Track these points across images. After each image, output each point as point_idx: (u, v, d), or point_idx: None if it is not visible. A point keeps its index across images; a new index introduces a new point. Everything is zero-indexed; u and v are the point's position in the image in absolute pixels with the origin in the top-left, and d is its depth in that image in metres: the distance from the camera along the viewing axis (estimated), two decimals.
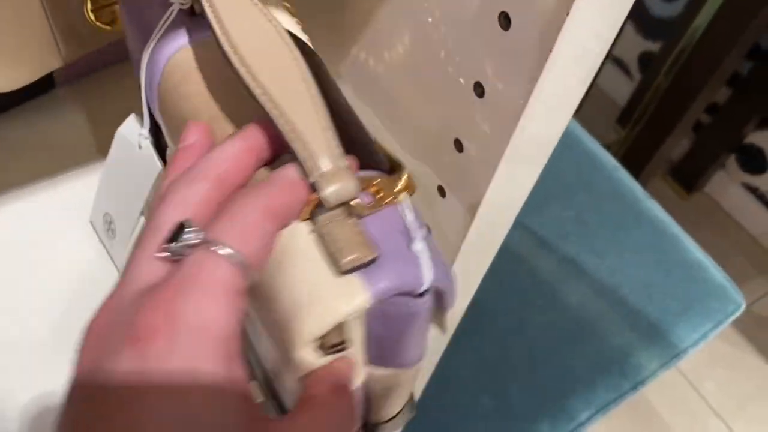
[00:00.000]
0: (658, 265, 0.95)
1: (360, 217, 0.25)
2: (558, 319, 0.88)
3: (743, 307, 0.92)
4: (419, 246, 0.26)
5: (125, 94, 0.43)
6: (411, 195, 0.28)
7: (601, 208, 0.98)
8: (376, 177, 0.27)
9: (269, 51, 0.27)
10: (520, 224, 0.94)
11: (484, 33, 0.30)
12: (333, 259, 0.24)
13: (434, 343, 0.50)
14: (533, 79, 0.28)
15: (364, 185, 0.26)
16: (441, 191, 0.38)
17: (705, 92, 1.35)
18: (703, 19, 1.29)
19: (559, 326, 0.87)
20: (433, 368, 0.56)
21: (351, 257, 0.24)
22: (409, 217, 0.27)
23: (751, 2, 1.20)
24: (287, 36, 0.27)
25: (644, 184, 1.04)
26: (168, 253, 0.22)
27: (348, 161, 0.26)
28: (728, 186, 1.67)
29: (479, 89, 0.32)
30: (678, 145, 1.63)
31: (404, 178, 0.28)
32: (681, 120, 1.39)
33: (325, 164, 0.25)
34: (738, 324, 1.51)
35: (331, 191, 0.25)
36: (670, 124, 1.41)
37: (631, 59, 1.75)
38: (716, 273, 0.94)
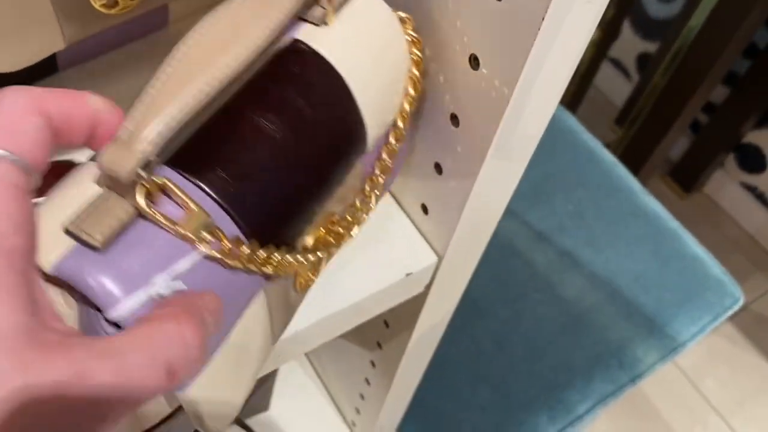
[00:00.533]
0: (655, 258, 0.95)
1: (140, 214, 0.24)
2: (555, 312, 0.88)
3: (741, 301, 0.93)
4: (154, 288, 0.23)
5: (128, 79, 0.44)
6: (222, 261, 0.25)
7: (599, 202, 0.99)
8: (201, 215, 0.25)
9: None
10: (518, 218, 0.95)
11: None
12: (78, 213, 0.23)
13: (429, 333, 0.50)
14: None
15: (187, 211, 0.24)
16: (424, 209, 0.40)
17: (701, 91, 1.36)
18: (698, 18, 1.30)
19: (557, 318, 0.88)
20: (428, 358, 0.56)
21: (81, 224, 0.23)
22: (181, 266, 0.24)
23: (746, 1, 1.21)
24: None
25: (643, 183, 1.05)
26: None
27: (148, 150, 0.23)
28: (727, 185, 1.68)
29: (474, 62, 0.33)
30: (676, 145, 1.64)
31: (223, 239, 0.25)
32: (678, 119, 1.40)
33: (131, 132, 0.24)
34: (737, 322, 1.52)
35: (108, 155, 0.23)
36: (667, 123, 1.42)
37: (629, 60, 1.76)
38: (714, 267, 0.95)
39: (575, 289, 0.91)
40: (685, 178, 1.70)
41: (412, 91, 0.34)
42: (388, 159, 0.35)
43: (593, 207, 0.99)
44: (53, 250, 0.23)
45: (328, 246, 0.33)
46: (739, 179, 1.65)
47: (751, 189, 1.64)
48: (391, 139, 0.35)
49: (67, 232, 0.23)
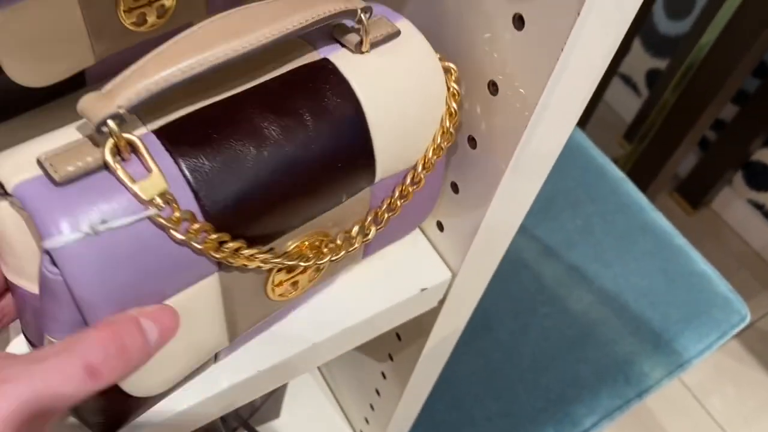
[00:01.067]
0: (662, 274, 0.96)
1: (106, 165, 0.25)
2: (563, 325, 0.89)
3: (748, 318, 0.94)
4: (88, 223, 0.24)
5: None
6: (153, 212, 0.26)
7: (608, 218, 1.00)
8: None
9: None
10: (527, 232, 0.96)
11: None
12: (56, 149, 0.25)
13: (440, 346, 0.51)
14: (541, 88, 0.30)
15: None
16: (454, 187, 0.40)
17: (711, 109, 1.37)
18: (709, 36, 1.31)
19: (564, 332, 0.89)
20: (439, 371, 0.57)
21: (52, 158, 0.25)
22: (125, 220, 0.25)
23: (757, 21, 1.22)
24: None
25: (651, 199, 1.06)
26: None
27: (122, 105, 0.25)
28: (734, 202, 1.69)
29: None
30: (684, 161, 1.64)
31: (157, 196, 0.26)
32: (687, 136, 1.41)
33: (113, 87, 0.25)
34: (743, 340, 1.52)
35: (85, 101, 0.25)
36: (676, 140, 1.43)
37: (638, 76, 1.77)
38: (721, 284, 0.95)
39: (583, 304, 0.92)
40: (692, 195, 1.70)
41: (442, 142, 0.34)
42: (398, 200, 0.35)
43: (601, 222, 1.00)
44: (21, 174, 0.25)
45: (304, 258, 0.32)
46: (746, 196, 1.66)
47: (759, 206, 1.64)
48: (407, 180, 0.35)
49: (38, 162, 0.25)
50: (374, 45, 0.32)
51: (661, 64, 1.69)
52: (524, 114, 0.32)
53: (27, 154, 0.26)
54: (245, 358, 0.38)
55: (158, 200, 0.26)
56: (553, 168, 0.37)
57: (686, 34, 1.58)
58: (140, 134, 0.27)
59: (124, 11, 0.41)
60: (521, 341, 0.87)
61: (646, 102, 1.71)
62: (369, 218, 0.35)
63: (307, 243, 0.33)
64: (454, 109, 0.34)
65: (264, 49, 0.28)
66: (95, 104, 0.25)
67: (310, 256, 0.33)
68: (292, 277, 0.34)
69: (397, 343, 0.55)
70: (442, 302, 0.45)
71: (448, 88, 0.34)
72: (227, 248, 0.28)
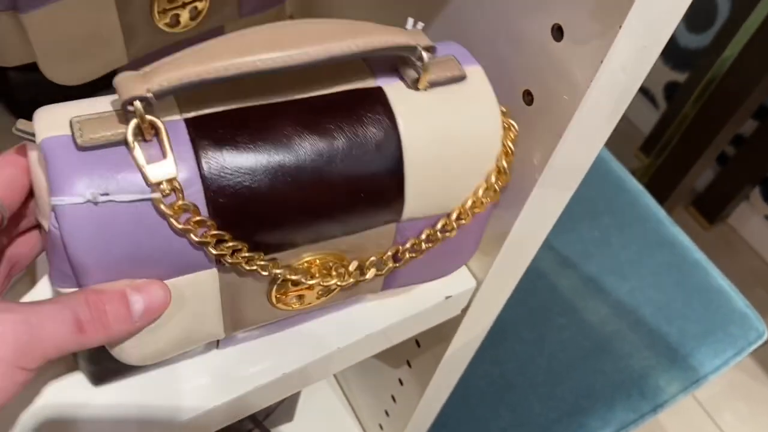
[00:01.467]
0: (679, 288, 0.96)
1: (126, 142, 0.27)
2: (578, 337, 0.89)
3: (766, 335, 0.93)
4: (92, 191, 0.26)
5: None
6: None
7: (625, 230, 1.00)
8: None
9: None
10: (545, 242, 0.95)
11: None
12: (89, 115, 0.27)
13: (459, 355, 0.51)
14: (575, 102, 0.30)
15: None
16: None
17: (731, 124, 1.36)
18: (731, 51, 1.31)
19: (580, 344, 0.88)
20: (456, 379, 0.57)
21: (82, 122, 0.26)
22: (127, 197, 0.26)
23: None
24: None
25: (667, 213, 1.05)
26: None
27: (151, 89, 0.26)
28: (751, 218, 1.67)
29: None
30: (702, 176, 1.63)
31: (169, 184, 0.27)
32: (706, 151, 1.40)
33: (150, 71, 0.27)
34: (757, 356, 1.51)
35: (121, 78, 0.26)
36: (694, 154, 1.42)
37: (657, 88, 1.76)
38: (738, 300, 0.95)
39: (599, 316, 0.91)
40: (709, 209, 1.69)
41: (484, 197, 0.33)
42: (424, 243, 0.34)
43: (619, 235, 0.99)
44: (53, 130, 0.26)
45: (309, 275, 0.32)
46: (763, 212, 1.65)
47: None
48: (438, 225, 0.34)
49: (70, 123, 0.26)
50: (434, 84, 0.31)
51: (681, 77, 1.69)
52: (559, 125, 0.32)
53: (66, 113, 0.27)
54: (270, 361, 0.38)
55: (164, 186, 0.26)
56: None
57: (707, 47, 1.57)
58: (172, 119, 0.28)
59: (159, 12, 0.42)
60: (537, 352, 0.87)
61: (665, 115, 1.70)
62: (389, 253, 0.34)
63: (318, 262, 0.33)
64: (504, 168, 0.33)
65: (315, 65, 0.28)
66: (128, 83, 0.26)
67: (317, 275, 0.33)
68: (298, 290, 0.34)
69: (416, 350, 0.55)
70: (465, 310, 0.45)
71: (503, 146, 0.33)
72: (226, 247, 0.28)
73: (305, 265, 0.32)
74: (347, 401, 0.76)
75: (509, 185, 0.37)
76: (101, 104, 0.28)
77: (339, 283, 0.33)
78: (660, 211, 1.03)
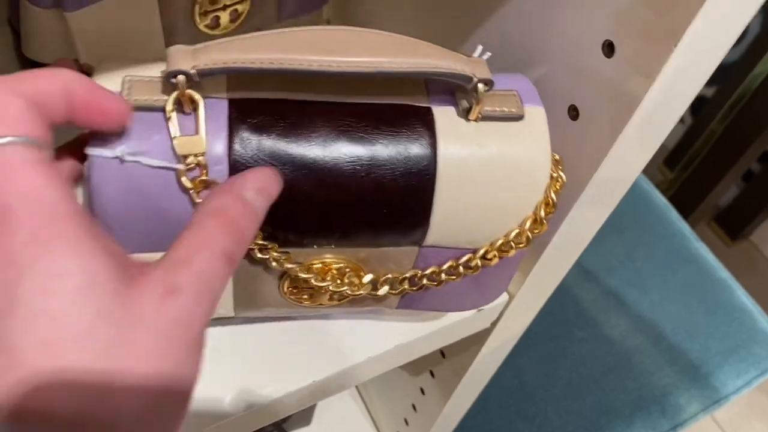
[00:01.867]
0: (702, 305, 0.94)
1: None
2: (599, 351, 0.88)
3: None
4: (121, 150, 0.26)
5: None
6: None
7: (650, 245, 0.99)
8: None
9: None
10: None
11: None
12: (142, 77, 0.28)
13: (484, 367, 0.51)
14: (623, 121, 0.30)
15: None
16: None
17: (759, 141, 1.34)
18: (762, 68, 1.29)
19: (600, 358, 0.87)
20: (479, 391, 0.56)
21: (134, 82, 0.28)
22: (155, 162, 0.27)
23: None
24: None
25: (690, 228, 1.04)
26: None
27: (197, 66, 0.26)
28: None
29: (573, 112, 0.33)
30: (726, 192, 1.62)
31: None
32: (732, 168, 1.39)
33: (199, 49, 0.27)
34: None
35: (175, 50, 0.27)
36: (720, 170, 1.41)
37: None
38: (762, 320, 0.93)
39: (620, 330, 0.90)
40: (731, 225, 1.67)
41: (514, 242, 0.32)
42: (444, 274, 0.33)
43: (643, 249, 0.98)
44: (106, 84, 0.27)
45: (319, 278, 0.32)
46: None
47: None
48: (462, 259, 0.33)
49: (122, 81, 0.28)
50: (487, 118, 0.30)
51: (708, 91, 1.67)
52: (605, 142, 0.32)
53: (123, 72, 0.28)
54: (300, 369, 0.37)
55: (191, 159, 0.27)
56: None
57: (736, 62, 1.55)
58: (218, 97, 0.28)
59: (200, 14, 0.42)
60: (557, 364, 0.86)
61: (690, 129, 1.68)
62: (407, 275, 0.33)
63: (334, 267, 0.32)
64: (542, 218, 0.32)
65: (368, 76, 0.28)
66: (178, 56, 0.27)
67: (328, 279, 0.32)
68: (309, 289, 0.33)
69: (440, 360, 0.54)
70: (494, 323, 0.45)
71: (546, 195, 0.32)
72: None
73: (321, 267, 0.32)
74: (365, 407, 0.76)
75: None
76: (156, 70, 0.29)
77: (349, 292, 0.33)
78: (685, 227, 1.02)
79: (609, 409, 0.84)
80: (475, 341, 0.47)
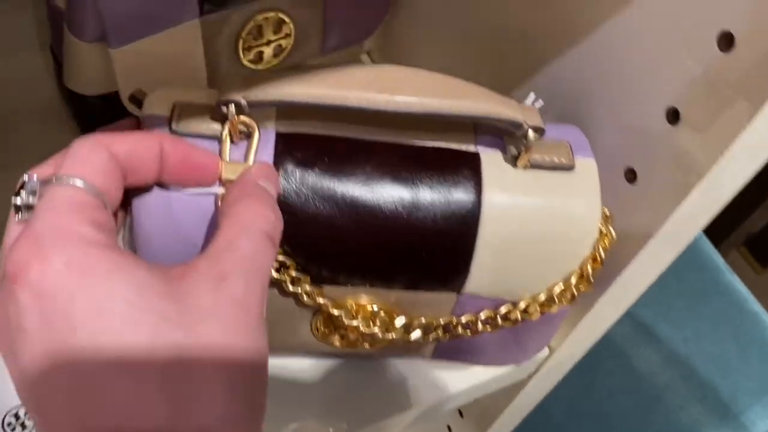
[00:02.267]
0: (734, 341, 0.92)
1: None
2: (628, 385, 0.86)
3: None
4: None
5: None
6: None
7: (682, 276, 0.96)
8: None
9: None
10: None
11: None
12: (194, 101, 0.28)
13: (516, 414, 0.49)
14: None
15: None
16: None
17: None
18: None
19: (630, 393, 0.85)
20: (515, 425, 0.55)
21: (183, 108, 0.28)
22: (196, 190, 0.27)
23: None
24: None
25: (721, 255, 1.02)
26: (20, 212, 0.23)
27: (240, 97, 0.27)
28: None
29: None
30: (762, 220, 1.58)
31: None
32: None
33: (250, 82, 0.27)
34: None
35: (227, 82, 0.28)
36: (757, 197, 1.38)
37: None
38: None
39: (650, 365, 0.88)
40: (763, 252, 1.64)
41: (557, 297, 0.31)
42: (480, 324, 0.32)
43: (675, 280, 0.96)
44: (158, 108, 0.28)
45: (350, 316, 0.31)
46: None
47: None
48: (501, 310, 0.32)
49: (173, 106, 0.28)
50: (536, 166, 0.29)
51: None
52: (665, 209, 0.30)
53: (175, 95, 0.29)
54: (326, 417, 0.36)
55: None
56: None
57: None
58: (266, 128, 0.28)
59: (243, 49, 0.41)
60: (586, 398, 0.84)
61: None
62: (441, 321, 0.32)
63: (368, 308, 0.31)
64: (589, 274, 0.31)
65: (417, 116, 0.27)
66: (229, 85, 0.27)
67: (360, 319, 0.31)
68: (341, 329, 0.32)
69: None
70: (531, 376, 0.43)
71: (594, 251, 0.30)
72: (276, 261, 0.28)
73: (353, 307, 0.31)
74: None
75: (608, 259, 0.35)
76: (205, 95, 0.29)
77: (380, 335, 0.32)
78: (718, 258, 1.00)
79: None
80: (510, 392, 0.46)
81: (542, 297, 0.31)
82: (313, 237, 0.28)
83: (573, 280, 0.30)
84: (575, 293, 0.31)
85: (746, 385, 0.89)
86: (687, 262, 0.97)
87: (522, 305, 0.31)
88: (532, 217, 0.29)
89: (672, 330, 0.92)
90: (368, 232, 0.28)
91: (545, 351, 0.41)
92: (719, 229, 1.47)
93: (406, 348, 0.35)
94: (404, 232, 0.29)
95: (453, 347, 0.34)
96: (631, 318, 0.91)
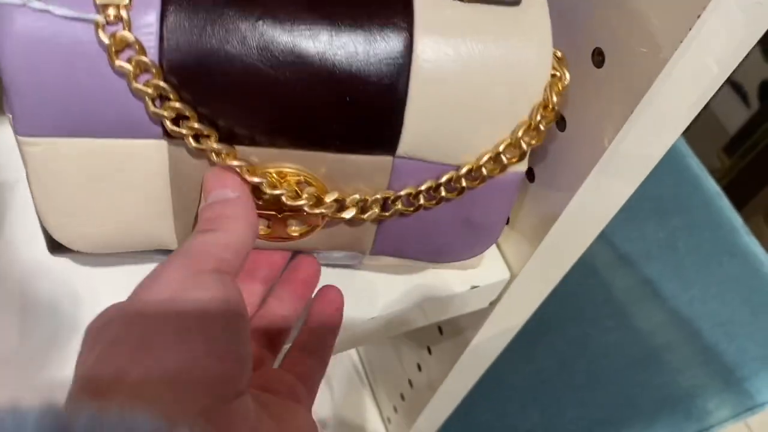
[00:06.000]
0: (745, 305, 0.87)
1: None
2: (626, 343, 0.82)
3: None
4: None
5: None
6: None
7: (695, 234, 0.91)
8: None
9: None
10: (603, 237, 0.87)
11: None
12: None
13: (484, 350, 0.46)
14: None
15: None
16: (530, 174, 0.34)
17: None
18: None
19: (627, 350, 0.81)
20: (479, 375, 0.51)
21: None
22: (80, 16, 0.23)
23: None
24: None
25: (743, 221, 0.96)
26: None
27: None
28: None
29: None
30: None
31: None
32: None
33: None
34: None
35: None
36: None
37: (751, 86, 1.63)
38: None
39: (652, 323, 0.84)
40: None
41: (506, 154, 0.27)
42: (421, 197, 0.28)
43: (687, 238, 0.91)
44: None
45: (271, 185, 0.27)
46: None
47: None
48: (443, 179, 0.27)
49: None
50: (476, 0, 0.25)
51: None
52: (634, 92, 0.26)
53: None
54: None
55: (111, 11, 0.23)
56: None
57: None
58: None
59: None
60: (578, 353, 0.80)
61: (756, 115, 1.58)
62: (378, 196, 0.28)
63: (293, 179, 0.27)
64: (537, 123, 0.26)
65: None
66: None
67: (284, 188, 0.27)
68: (267, 213, 0.28)
69: (438, 337, 0.49)
70: (493, 304, 0.39)
71: (545, 97, 0.26)
72: (169, 107, 0.24)
73: (276, 175, 0.27)
74: (367, 380, 0.72)
75: (562, 164, 0.31)
76: None
77: (307, 209, 0.27)
78: (736, 218, 0.94)
79: (630, 404, 0.78)
80: (473, 321, 0.42)
81: (487, 157, 0.27)
82: (210, 79, 0.24)
83: (520, 133, 0.26)
84: (524, 148, 0.26)
85: (754, 351, 0.84)
86: (701, 218, 0.92)
87: (464, 170, 0.27)
88: (473, 59, 0.25)
89: (678, 289, 0.87)
90: (280, 74, 0.24)
91: (506, 273, 0.37)
92: (744, 195, 1.40)
93: (339, 239, 0.30)
94: (325, 77, 0.25)
95: (393, 236, 0.30)
96: (636, 273, 0.87)
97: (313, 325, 0.32)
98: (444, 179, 0.27)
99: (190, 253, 0.24)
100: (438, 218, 0.29)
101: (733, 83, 1.67)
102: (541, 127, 0.26)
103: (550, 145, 0.31)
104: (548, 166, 0.32)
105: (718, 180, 1.45)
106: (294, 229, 0.30)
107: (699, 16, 0.22)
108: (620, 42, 0.26)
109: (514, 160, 0.27)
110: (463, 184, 0.27)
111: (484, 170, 0.27)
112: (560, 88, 0.26)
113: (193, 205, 0.28)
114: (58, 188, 0.27)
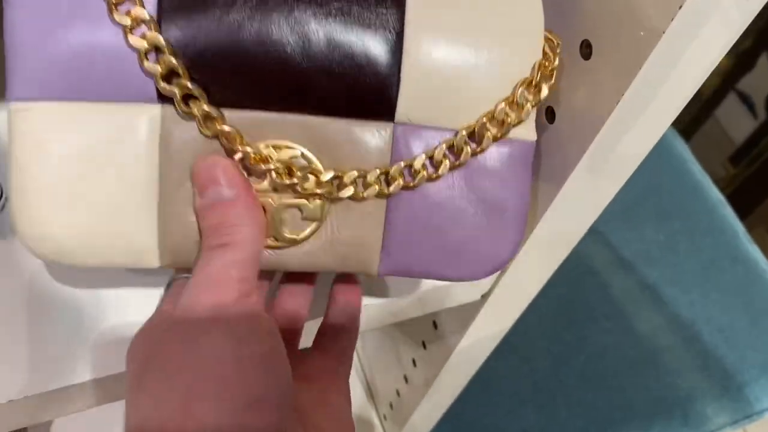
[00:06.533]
0: (745, 311, 0.87)
1: None
2: (623, 345, 0.82)
3: None
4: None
5: None
6: None
7: (696, 239, 0.91)
8: None
9: None
10: (602, 238, 0.88)
11: None
12: None
13: (478, 345, 0.46)
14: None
15: None
16: None
17: None
18: None
19: (624, 352, 0.81)
20: (474, 371, 0.51)
21: None
22: None
23: None
24: None
25: (747, 230, 0.96)
26: None
27: None
28: None
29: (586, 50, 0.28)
30: None
31: None
32: None
33: None
34: None
35: None
36: None
37: (758, 97, 1.63)
38: None
39: (650, 326, 0.84)
40: None
41: (507, 117, 0.27)
42: (428, 162, 0.27)
43: (688, 242, 0.91)
44: None
45: (263, 159, 0.26)
46: None
47: None
48: (443, 146, 0.27)
49: None
50: None
51: None
52: (618, 84, 0.26)
53: None
54: None
55: None
56: (645, 172, 0.31)
57: None
58: None
59: None
60: (574, 353, 0.80)
61: (762, 126, 1.57)
62: (377, 171, 0.27)
63: (288, 153, 0.26)
64: (537, 80, 0.26)
65: None
66: None
67: (275, 162, 0.26)
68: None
69: (432, 332, 0.50)
70: (485, 296, 0.40)
71: (534, 69, 0.26)
72: (162, 61, 0.24)
73: (265, 149, 0.26)
74: (363, 373, 0.72)
75: (550, 155, 0.31)
76: None
77: (298, 187, 0.26)
78: (737, 224, 0.94)
79: (626, 406, 0.78)
80: (466, 315, 0.42)
81: (484, 119, 0.26)
82: (211, 40, 0.24)
83: (518, 90, 0.26)
84: (523, 105, 0.26)
85: (753, 357, 0.84)
86: (703, 224, 0.92)
87: (464, 132, 0.27)
88: (468, 18, 0.26)
89: (679, 293, 0.87)
90: (276, 36, 0.25)
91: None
92: (748, 204, 1.40)
93: (342, 250, 0.29)
94: (319, 35, 0.25)
95: (404, 235, 0.28)
96: (635, 275, 0.87)
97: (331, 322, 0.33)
98: (444, 144, 0.27)
99: (211, 280, 0.25)
100: (450, 202, 0.28)
101: (740, 94, 1.67)
102: (542, 85, 0.26)
103: (540, 137, 0.32)
104: (538, 157, 0.33)
105: (723, 189, 1.45)
106: (290, 232, 0.28)
107: (680, 7, 0.23)
108: (607, 32, 0.26)
109: (515, 120, 0.27)
110: (465, 149, 0.27)
111: (486, 132, 0.26)
112: (555, 47, 0.27)
113: (179, 194, 0.27)
114: (44, 165, 0.25)
